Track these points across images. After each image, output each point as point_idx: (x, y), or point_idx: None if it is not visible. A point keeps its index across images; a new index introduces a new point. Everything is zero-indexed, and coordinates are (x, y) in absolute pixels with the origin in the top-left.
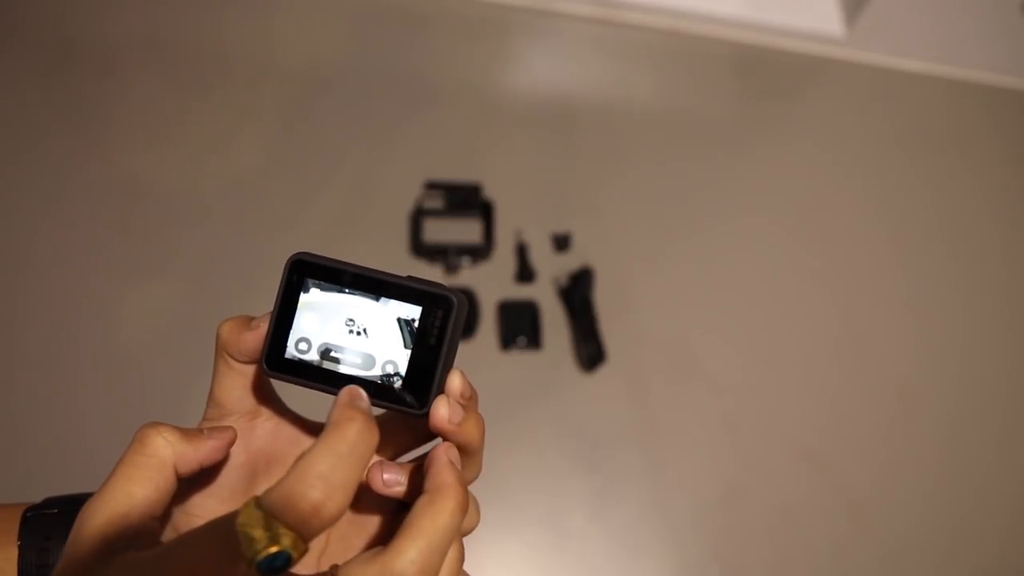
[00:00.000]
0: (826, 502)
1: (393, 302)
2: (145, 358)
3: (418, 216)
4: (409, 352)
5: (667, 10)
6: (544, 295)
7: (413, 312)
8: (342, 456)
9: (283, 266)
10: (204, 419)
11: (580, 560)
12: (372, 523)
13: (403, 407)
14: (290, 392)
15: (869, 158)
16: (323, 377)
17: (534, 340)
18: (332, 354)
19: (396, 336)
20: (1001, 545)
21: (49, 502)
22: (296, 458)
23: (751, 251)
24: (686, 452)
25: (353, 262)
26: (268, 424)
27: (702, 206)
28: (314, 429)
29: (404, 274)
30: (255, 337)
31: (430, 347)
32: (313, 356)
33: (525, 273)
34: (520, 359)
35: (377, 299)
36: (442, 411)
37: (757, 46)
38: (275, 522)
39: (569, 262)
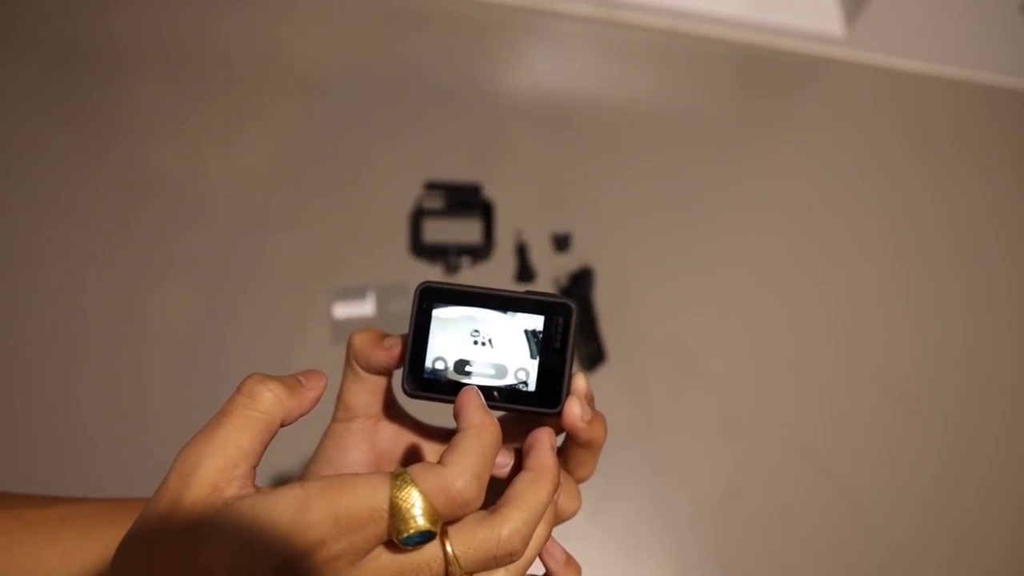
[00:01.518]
0: (826, 502)
1: (519, 315)
2: (147, 359)
3: (418, 216)
4: (537, 358)
5: (667, 10)
6: None
7: (537, 322)
8: (488, 458)
9: (413, 293)
10: (334, 420)
11: (580, 560)
12: None
13: (537, 409)
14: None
15: (869, 158)
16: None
17: None
18: (467, 368)
19: (523, 345)
20: (1001, 545)
21: None
22: (447, 450)
23: (751, 251)
24: (686, 452)
25: (473, 284)
26: (391, 427)
27: (702, 206)
28: (427, 432)
29: (523, 290)
30: (387, 356)
31: (556, 351)
32: (450, 372)
33: (525, 273)
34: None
35: (504, 312)
36: (575, 410)
37: (757, 46)
38: (428, 504)
39: (569, 262)
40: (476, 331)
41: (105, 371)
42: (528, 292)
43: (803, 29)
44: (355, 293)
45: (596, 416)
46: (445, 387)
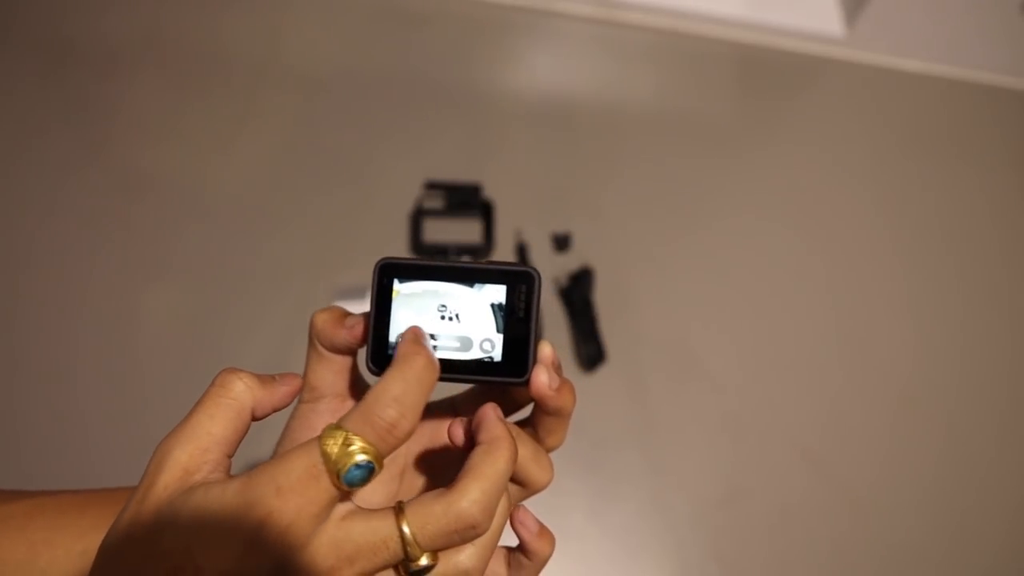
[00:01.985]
0: (826, 502)
1: (486, 287)
2: (147, 358)
3: (418, 216)
4: (503, 330)
5: (667, 10)
6: (544, 295)
7: (499, 291)
8: (411, 382)
9: (372, 270)
10: (300, 401)
11: (580, 560)
12: (438, 477)
13: (505, 379)
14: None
15: (869, 158)
16: None
17: None
18: (431, 343)
19: (489, 317)
20: (1001, 545)
21: None
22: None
23: (751, 251)
24: (686, 452)
25: (433, 258)
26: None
27: (702, 206)
28: None
29: (484, 260)
30: (349, 335)
31: (519, 320)
32: None
33: None
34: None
35: (471, 285)
36: (543, 378)
37: (757, 46)
38: (355, 438)
39: (569, 262)
40: (443, 306)
41: (104, 370)
42: (489, 262)
43: (803, 29)
44: (355, 292)
45: (564, 383)
46: None
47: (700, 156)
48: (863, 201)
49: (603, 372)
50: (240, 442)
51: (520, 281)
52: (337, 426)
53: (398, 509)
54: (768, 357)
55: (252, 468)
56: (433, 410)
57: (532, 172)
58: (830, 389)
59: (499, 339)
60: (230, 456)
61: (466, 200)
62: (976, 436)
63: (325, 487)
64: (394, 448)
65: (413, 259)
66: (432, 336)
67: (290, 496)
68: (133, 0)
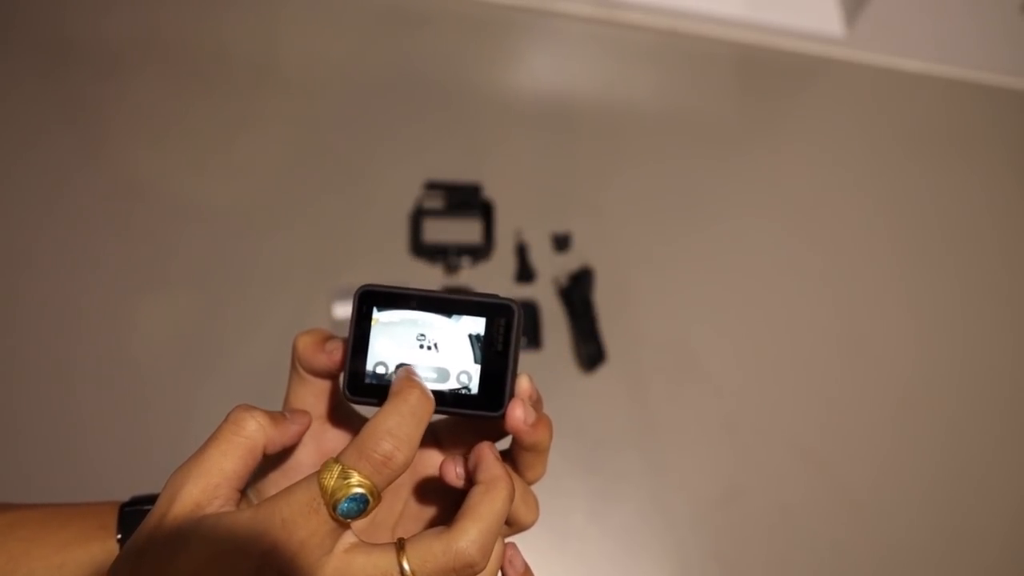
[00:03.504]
0: (826, 502)
1: (464, 318)
2: (146, 360)
3: (418, 216)
4: (480, 362)
5: (667, 10)
6: (544, 295)
7: (478, 323)
8: (405, 416)
9: (352, 296)
10: None
11: (580, 560)
12: (435, 511)
13: (480, 412)
14: None
15: (869, 158)
16: None
17: (534, 340)
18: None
19: (467, 349)
20: (1001, 545)
21: (140, 499)
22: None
23: (751, 251)
24: (686, 452)
25: (413, 286)
26: (338, 428)
27: (702, 206)
28: None
29: (465, 292)
30: (328, 360)
31: (498, 353)
32: (391, 377)
33: (525, 273)
34: (520, 359)
35: (449, 316)
36: (518, 413)
37: (757, 46)
38: (351, 471)
39: (569, 262)
40: (422, 335)
41: (105, 372)
42: (471, 293)
43: (803, 29)
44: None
45: (541, 419)
46: (385, 392)
47: (700, 156)
48: (863, 201)
49: (603, 372)
50: (249, 477)
51: (500, 314)
52: (335, 460)
53: (399, 545)
54: (768, 357)
55: (261, 502)
56: None
57: (532, 172)
58: (830, 389)
59: (476, 371)
60: (240, 490)
61: (466, 200)
62: (976, 436)
63: (324, 519)
64: (390, 480)
65: (393, 288)
66: (412, 366)
67: (293, 528)
68: (133, 1)
